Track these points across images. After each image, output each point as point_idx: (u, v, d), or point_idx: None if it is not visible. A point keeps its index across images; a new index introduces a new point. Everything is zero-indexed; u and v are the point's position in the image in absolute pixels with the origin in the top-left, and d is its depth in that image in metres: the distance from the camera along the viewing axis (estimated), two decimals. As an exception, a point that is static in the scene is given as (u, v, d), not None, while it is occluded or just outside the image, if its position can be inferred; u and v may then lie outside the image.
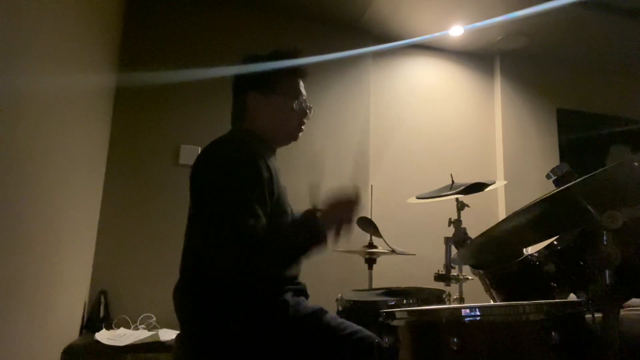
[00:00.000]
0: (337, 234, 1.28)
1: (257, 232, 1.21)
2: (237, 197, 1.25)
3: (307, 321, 1.34)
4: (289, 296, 1.37)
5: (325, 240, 1.25)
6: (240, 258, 1.19)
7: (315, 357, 1.30)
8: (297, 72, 1.58)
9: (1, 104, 1.31)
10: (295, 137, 1.58)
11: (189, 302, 1.35)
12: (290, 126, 1.55)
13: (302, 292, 1.47)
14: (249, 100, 1.51)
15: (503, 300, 1.66)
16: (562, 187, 1.19)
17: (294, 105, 1.53)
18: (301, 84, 1.58)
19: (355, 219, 1.31)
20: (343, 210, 1.30)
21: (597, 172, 1.09)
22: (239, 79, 1.56)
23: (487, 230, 1.36)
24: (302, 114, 1.56)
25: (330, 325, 1.34)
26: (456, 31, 3.57)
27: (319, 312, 1.37)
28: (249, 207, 1.24)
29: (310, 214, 1.31)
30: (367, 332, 1.33)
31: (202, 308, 1.31)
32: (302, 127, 1.57)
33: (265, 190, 1.32)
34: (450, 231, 2.23)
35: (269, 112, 1.51)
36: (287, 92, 1.53)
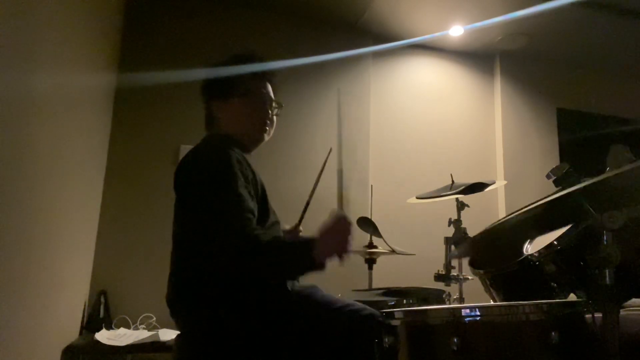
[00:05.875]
0: (331, 258, 1.24)
1: (253, 228, 1.23)
2: (231, 195, 1.26)
3: (302, 295, 1.36)
4: None
5: (317, 270, 1.23)
6: (241, 254, 1.20)
7: (311, 332, 1.30)
8: (258, 75, 1.59)
9: (5, 105, 1.31)
10: (259, 139, 1.57)
11: (186, 305, 1.35)
12: (253, 128, 1.55)
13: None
14: (213, 107, 1.56)
15: (503, 300, 1.65)
16: (563, 193, 1.18)
17: (252, 106, 1.54)
18: (265, 85, 1.59)
19: (349, 250, 1.25)
20: (338, 241, 1.24)
21: (600, 178, 1.08)
22: (202, 87, 1.60)
23: (487, 228, 1.36)
24: (263, 114, 1.56)
25: (324, 299, 1.36)
26: (456, 31, 3.57)
27: (313, 289, 1.41)
28: (243, 204, 1.26)
29: (305, 243, 1.24)
30: (361, 305, 1.32)
31: (199, 307, 1.32)
32: (266, 127, 1.56)
33: (252, 189, 1.35)
34: (450, 231, 2.23)
35: (231, 115, 1.53)
36: (244, 94, 1.54)
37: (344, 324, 1.29)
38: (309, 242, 1.23)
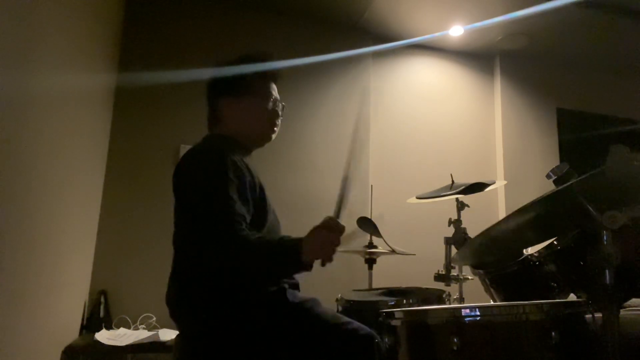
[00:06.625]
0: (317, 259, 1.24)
1: (242, 229, 1.23)
2: (222, 198, 1.27)
3: (302, 308, 1.36)
4: (285, 285, 1.40)
5: (303, 270, 1.24)
6: (230, 256, 1.22)
7: (308, 346, 1.30)
8: (268, 75, 1.60)
9: (6, 105, 1.31)
10: (268, 138, 1.59)
11: (185, 306, 1.36)
12: (263, 127, 1.57)
13: (296, 286, 1.49)
14: (221, 105, 1.55)
15: (503, 300, 1.66)
16: (560, 187, 1.19)
17: (265, 105, 1.56)
18: (273, 86, 1.60)
19: (334, 255, 1.24)
20: (325, 246, 1.23)
21: (595, 171, 1.09)
22: (211, 85, 1.60)
23: (487, 230, 1.36)
24: (274, 114, 1.58)
25: (323, 314, 1.36)
26: (456, 31, 3.57)
27: (314, 302, 1.40)
28: (234, 207, 1.26)
29: (293, 243, 1.24)
30: (359, 325, 1.33)
31: (199, 308, 1.32)
32: (275, 128, 1.59)
33: (248, 191, 1.35)
34: (450, 231, 2.23)
35: (241, 114, 1.54)
36: (257, 93, 1.55)
37: (340, 340, 1.30)
38: (296, 242, 1.23)
